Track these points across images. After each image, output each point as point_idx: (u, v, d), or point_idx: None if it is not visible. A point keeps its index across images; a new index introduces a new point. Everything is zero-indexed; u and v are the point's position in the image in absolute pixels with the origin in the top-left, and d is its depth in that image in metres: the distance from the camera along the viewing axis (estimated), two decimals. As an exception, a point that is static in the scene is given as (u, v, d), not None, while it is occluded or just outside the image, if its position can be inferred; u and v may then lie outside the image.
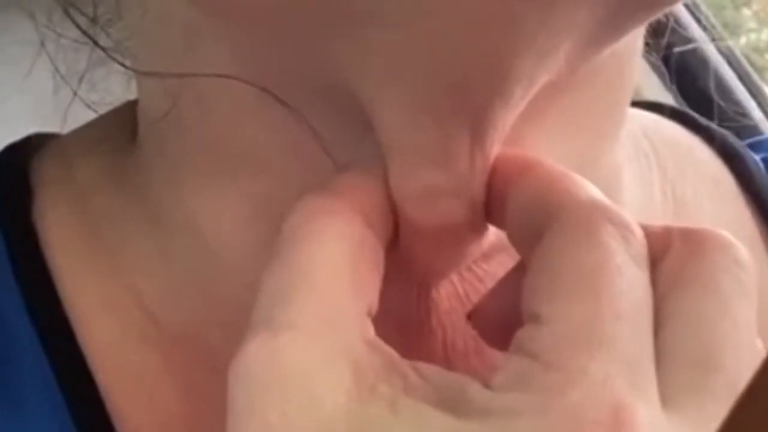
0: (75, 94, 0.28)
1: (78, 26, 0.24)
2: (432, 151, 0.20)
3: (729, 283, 0.19)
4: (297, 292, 0.19)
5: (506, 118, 0.20)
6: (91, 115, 0.30)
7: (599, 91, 0.24)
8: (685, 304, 0.19)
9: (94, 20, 0.25)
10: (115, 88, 0.29)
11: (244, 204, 0.24)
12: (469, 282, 0.24)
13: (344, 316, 0.19)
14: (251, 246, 0.24)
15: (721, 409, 0.18)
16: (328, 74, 0.20)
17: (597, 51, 0.21)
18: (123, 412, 0.26)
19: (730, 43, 0.75)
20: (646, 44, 0.28)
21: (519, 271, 0.21)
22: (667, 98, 0.62)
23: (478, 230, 0.22)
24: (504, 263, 0.23)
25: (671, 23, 0.34)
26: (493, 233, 0.23)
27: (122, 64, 0.25)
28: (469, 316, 0.23)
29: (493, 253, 0.24)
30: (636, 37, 0.25)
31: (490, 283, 0.23)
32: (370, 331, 0.20)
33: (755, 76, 0.77)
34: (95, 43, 0.25)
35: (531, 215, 0.21)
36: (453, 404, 0.18)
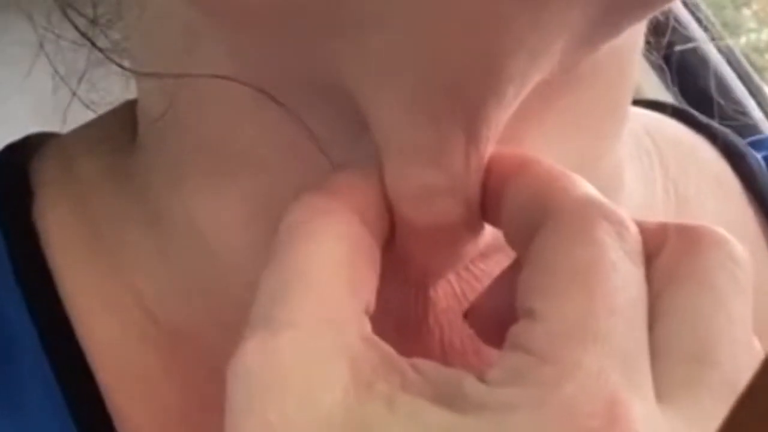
0: (74, 94, 0.28)
1: (76, 27, 0.24)
2: (428, 151, 0.20)
3: (724, 279, 0.19)
4: (294, 291, 0.19)
5: (500, 117, 0.20)
6: (90, 115, 0.30)
7: (599, 90, 0.24)
8: (680, 300, 0.19)
9: (93, 21, 0.25)
10: (114, 88, 0.29)
11: (243, 204, 0.24)
12: (467, 281, 0.24)
13: (342, 315, 0.19)
14: (250, 245, 0.24)
15: (716, 404, 0.18)
16: (325, 75, 0.20)
17: (591, 50, 0.21)
18: (123, 412, 0.26)
19: (730, 42, 0.75)
20: (647, 43, 0.28)
21: (514, 269, 0.21)
22: (668, 97, 0.62)
23: (474, 229, 0.22)
24: (501, 263, 0.23)
25: (672, 22, 0.34)
26: (490, 233, 0.23)
27: (120, 65, 0.25)
28: (466, 315, 0.23)
29: (490, 253, 0.24)
30: (636, 36, 0.25)
31: (488, 283, 0.23)
32: (368, 329, 0.20)
33: (755, 76, 0.77)
34: (93, 44, 0.25)
35: (527, 213, 0.21)
36: (449, 399, 0.18)
